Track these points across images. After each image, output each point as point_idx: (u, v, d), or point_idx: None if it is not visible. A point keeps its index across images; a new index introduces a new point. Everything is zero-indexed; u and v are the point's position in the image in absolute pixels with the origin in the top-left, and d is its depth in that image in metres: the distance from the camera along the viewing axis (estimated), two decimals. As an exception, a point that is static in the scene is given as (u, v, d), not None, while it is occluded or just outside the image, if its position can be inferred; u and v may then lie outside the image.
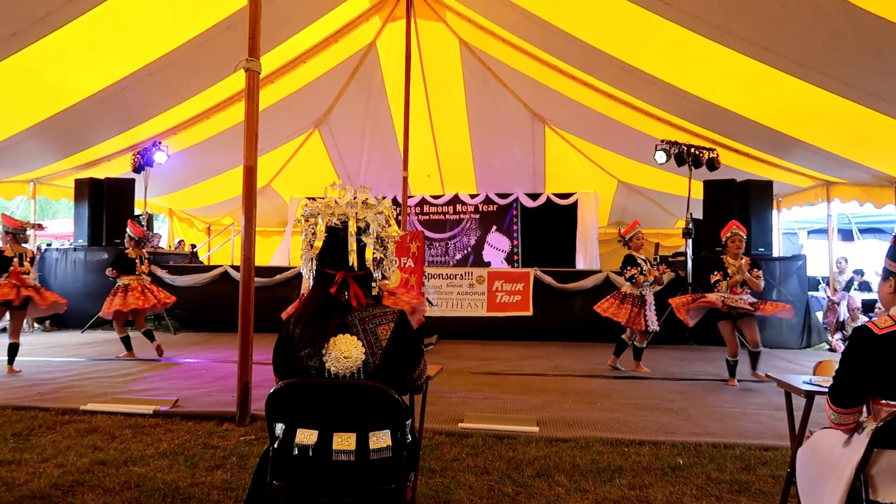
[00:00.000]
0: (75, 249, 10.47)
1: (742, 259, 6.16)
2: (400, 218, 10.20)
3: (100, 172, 10.71)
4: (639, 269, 6.96)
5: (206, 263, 13.62)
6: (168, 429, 4.37)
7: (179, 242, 14.57)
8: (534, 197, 14.17)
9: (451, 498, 3.17)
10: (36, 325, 10.54)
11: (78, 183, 10.50)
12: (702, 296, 6.42)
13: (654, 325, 6.84)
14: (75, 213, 10.72)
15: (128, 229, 7.76)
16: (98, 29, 6.94)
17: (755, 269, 6.06)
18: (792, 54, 6.45)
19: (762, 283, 6.10)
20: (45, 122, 8.50)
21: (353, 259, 2.11)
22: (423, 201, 14.52)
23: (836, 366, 2.27)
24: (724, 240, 6.36)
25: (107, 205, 10.21)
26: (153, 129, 10.13)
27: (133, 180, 10.46)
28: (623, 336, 7.07)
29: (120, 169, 10.78)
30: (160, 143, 10.15)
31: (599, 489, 3.29)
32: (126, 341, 7.47)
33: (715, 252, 8.98)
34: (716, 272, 6.27)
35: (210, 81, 9.06)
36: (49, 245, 13.08)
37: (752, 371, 6.27)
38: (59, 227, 18.57)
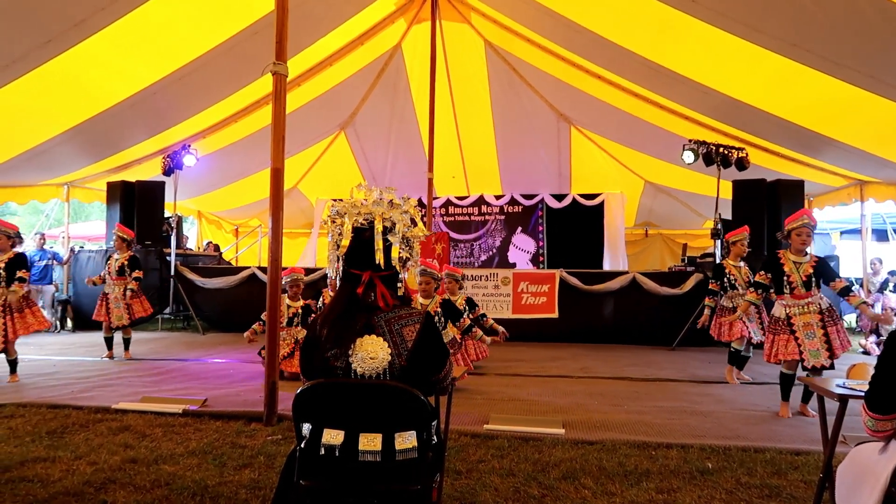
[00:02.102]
0: (107, 251, 10.67)
1: (807, 256, 4.98)
2: (425, 219, 10.22)
3: (131, 175, 10.90)
4: (721, 283, 6.49)
5: (233, 265, 13.79)
6: (197, 428, 4.43)
7: (208, 244, 14.77)
8: (559, 198, 14.10)
9: (477, 500, 3.16)
10: (69, 323, 10.78)
11: (110, 186, 10.69)
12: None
13: (756, 337, 6.16)
14: (107, 216, 10.92)
15: (118, 231, 7.82)
16: (129, 35, 7.08)
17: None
18: (823, 50, 6.32)
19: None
20: (78, 127, 8.69)
21: (379, 258, 2.12)
22: (448, 202, 14.54)
23: (871, 369, 2.21)
24: (787, 231, 5.02)
25: (138, 207, 10.38)
26: (183, 132, 10.29)
27: (163, 183, 10.63)
28: (733, 347, 6.41)
29: (150, 172, 10.98)
30: (189, 146, 10.30)
31: (626, 492, 3.25)
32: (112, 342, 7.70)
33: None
34: (763, 273, 5.14)
35: (238, 85, 9.19)
36: (82, 247, 13.36)
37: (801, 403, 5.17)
38: (92, 229, 18.97)
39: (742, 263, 6.54)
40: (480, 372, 6.76)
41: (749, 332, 6.20)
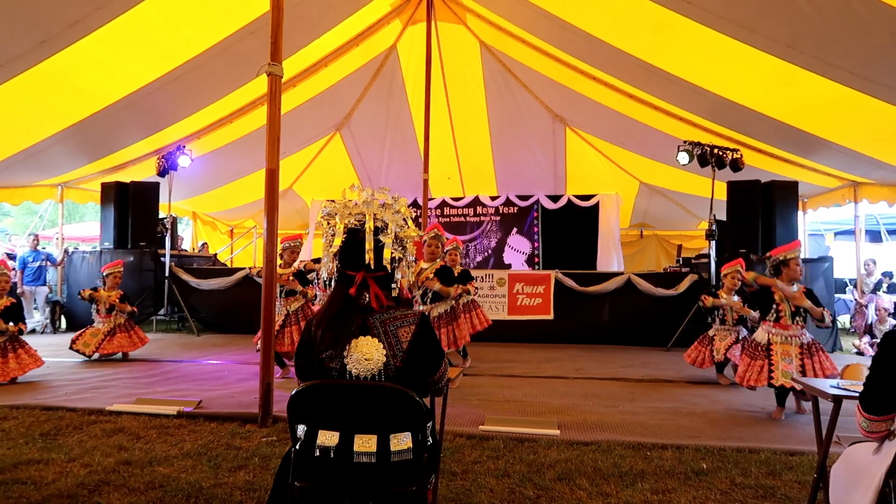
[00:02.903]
0: (101, 252, 10.65)
1: (795, 287, 5.00)
2: (421, 220, 10.22)
3: (125, 176, 10.87)
4: (711, 316, 6.61)
5: (228, 266, 13.76)
6: (192, 429, 4.42)
7: (203, 245, 14.74)
8: (555, 199, 14.11)
9: (472, 501, 3.16)
10: (63, 324, 10.75)
11: (104, 186, 10.66)
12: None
13: (716, 355, 6.31)
14: (101, 217, 10.88)
15: (114, 268, 7.84)
16: (125, 35, 7.06)
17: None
18: (818, 52, 6.34)
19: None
20: (73, 127, 8.66)
21: (369, 257, 2.12)
22: (443, 203, 14.53)
23: (865, 369, 2.22)
24: (782, 259, 5.04)
25: (132, 208, 10.36)
26: (177, 133, 10.26)
27: (158, 184, 10.60)
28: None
29: (145, 173, 10.95)
30: (184, 146, 10.28)
31: (622, 493, 3.26)
32: None
33: (739, 254, 8.89)
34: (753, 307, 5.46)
35: (233, 86, 9.17)
36: (76, 248, 13.30)
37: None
38: (86, 230, 18.90)
39: (736, 298, 6.43)
40: (476, 373, 6.76)
41: (714, 353, 6.29)
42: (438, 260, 6.41)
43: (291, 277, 6.42)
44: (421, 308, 6.22)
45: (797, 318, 4.97)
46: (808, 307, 4.88)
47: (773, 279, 5.05)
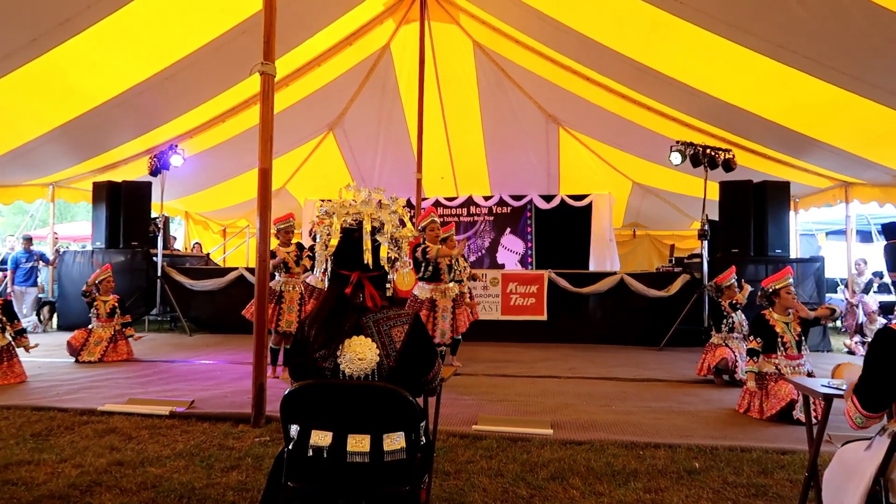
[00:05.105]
0: (93, 252, 10.59)
1: (789, 315, 4.98)
2: (414, 220, 10.21)
3: (117, 176, 10.81)
4: (718, 327, 6.44)
5: (221, 266, 13.70)
6: (184, 430, 4.40)
7: (195, 245, 14.68)
8: (548, 199, 14.13)
9: (466, 500, 3.16)
10: (54, 324, 10.69)
11: (96, 186, 10.60)
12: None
13: (741, 373, 5.93)
14: (93, 216, 10.82)
15: (111, 273, 7.88)
16: (116, 34, 7.02)
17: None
18: (810, 52, 6.37)
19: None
20: (64, 126, 8.60)
21: (367, 257, 2.12)
22: (436, 203, 14.51)
23: (856, 368, 2.23)
24: (772, 290, 5.01)
25: (124, 207, 10.30)
26: (170, 132, 10.22)
27: (150, 183, 10.54)
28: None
29: (137, 172, 10.89)
30: (176, 146, 10.21)
31: (614, 492, 3.27)
32: None
33: (731, 254, 8.92)
34: (753, 338, 5.01)
35: (226, 85, 9.13)
36: (67, 247, 13.22)
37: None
38: (78, 229, 18.80)
39: (739, 311, 6.37)
40: (469, 372, 6.76)
41: (734, 358, 6.17)
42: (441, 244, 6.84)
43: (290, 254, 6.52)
44: (451, 285, 6.75)
45: (802, 346, 4.95)
46: (816, 314, 4.88)
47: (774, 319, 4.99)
